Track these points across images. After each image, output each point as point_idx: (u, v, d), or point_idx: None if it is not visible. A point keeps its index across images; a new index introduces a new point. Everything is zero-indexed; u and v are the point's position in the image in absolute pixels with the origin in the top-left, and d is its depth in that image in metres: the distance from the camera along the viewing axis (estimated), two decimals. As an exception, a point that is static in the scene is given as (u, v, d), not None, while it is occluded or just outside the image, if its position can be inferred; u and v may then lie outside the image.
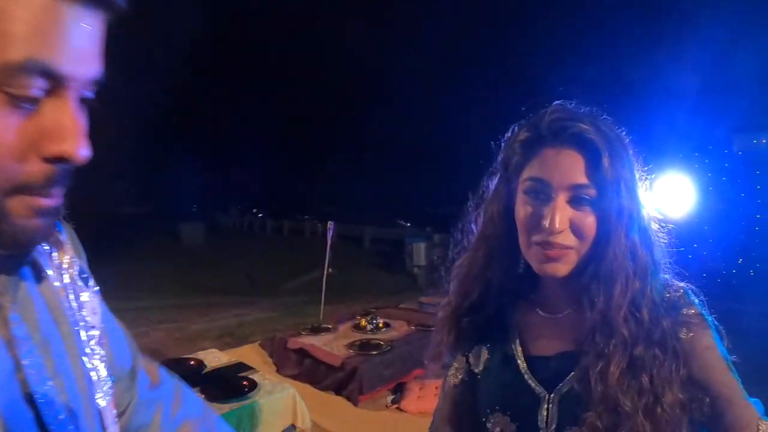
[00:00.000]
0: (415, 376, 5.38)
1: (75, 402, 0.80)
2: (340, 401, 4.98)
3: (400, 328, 6.02)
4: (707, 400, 1.11)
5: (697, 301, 1.19)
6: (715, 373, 1.11)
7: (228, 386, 4.18)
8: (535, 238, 1.13)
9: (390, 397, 5.10)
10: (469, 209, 1.36)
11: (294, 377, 5.18)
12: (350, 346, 5.41)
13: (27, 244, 0.70)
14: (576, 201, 1.11)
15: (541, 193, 1.12)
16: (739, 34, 9.60)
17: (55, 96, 0.62)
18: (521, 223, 1.16)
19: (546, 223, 1.09)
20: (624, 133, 1.18)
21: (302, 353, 5.45)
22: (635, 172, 1.17)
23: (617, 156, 1.11)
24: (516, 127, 1.24)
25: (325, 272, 6.64)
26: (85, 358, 0.87)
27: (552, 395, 1.16)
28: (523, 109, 1.24)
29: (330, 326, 5.97)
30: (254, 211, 32.84)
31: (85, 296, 0.91)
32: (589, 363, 1.09)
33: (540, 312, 1.26)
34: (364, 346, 5.39)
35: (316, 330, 5.84)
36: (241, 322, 7.94)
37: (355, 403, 4.92)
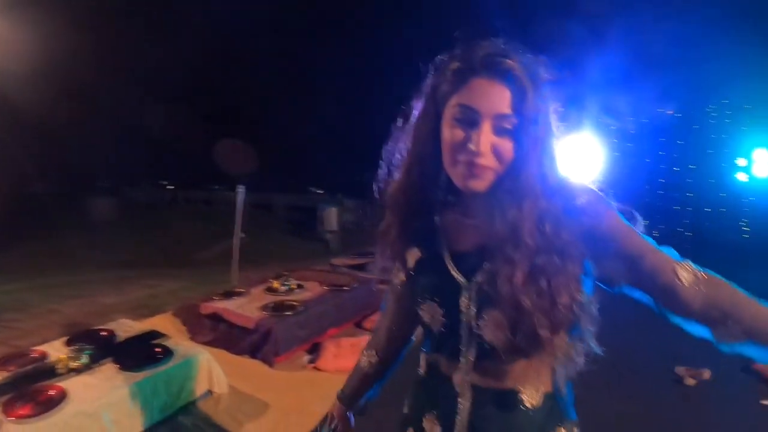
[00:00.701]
0: (331, 336, 5.47)
1: None
2: (256, 365, 5.00)
3: (313, 289, 6.07)
4: (624, 269, 1.28)
5: (602, 195, 1.32)
6: (623, 238, 1.27)
7: (141, 354, 4.14)
8: (460, 157, 1.25)
9: (306, 357, 5.16)
10: (395, 131, 1.48)
11: (208, 343, 5.14)
12: (264, 308, 5.43)
13: None
14: (498, 129, 1.23)
15: (469, 119, 1.24)
16: (653, 15, 9.92)
17: None
18: (448, 144, 1.27)
19: (472, 146, 1.22)
20: (549, 71, 1.29)
21: (215, 318, 5.44)
22: (552, 109, 1.30)
23: (539, 94, 1.24)
24: (447, 57, 1.32)
25: (237, 237, 6.60)
26: None
27: (470, 284, 1.32)
28: (455, 34, 1.33)
29: (242, 290, 5.97)
30: (165, 183, 31.99)
31: None
32: (498, 268, 1.25)
33: (462, 217, 1.41)
34: (278, 308, 5.42)
35: (228, 294, 5.82)
36: (154, 294, 7.80)
37: (271, 365, 4.96)
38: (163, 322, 5.67)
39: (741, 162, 10.79)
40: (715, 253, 9.43)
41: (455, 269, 1.36)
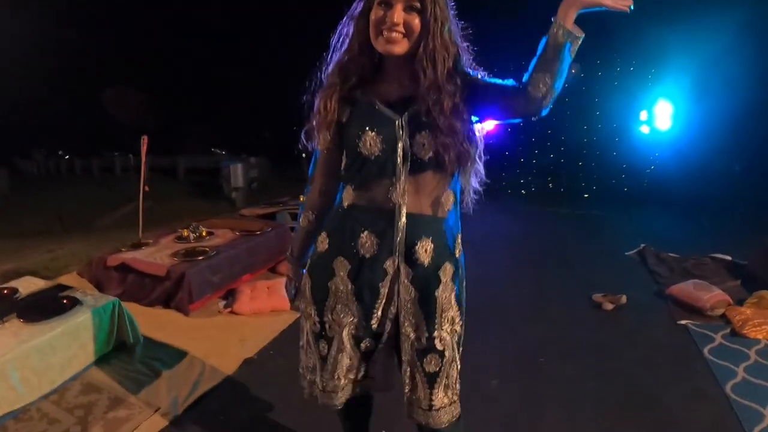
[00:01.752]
0: (245, 282, 5.31)
1: None
2: (170, 314, 4.79)
3: (224, 236, 5.87)
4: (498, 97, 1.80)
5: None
6: (491, 85, 1.82)
7: (47, 307, 3.88)
8: (382, 29, 1.75)
9: (221, 303, 4.98)
10: (341, 24, 1.92)
11: (118, 297, 4.84)
12: (175, 255, 5.20)
13: None
14: (408, 9, 1.73)
15: (387, 4, 1.74)
16: None
17: None
18: (373, 22, 1.76)
19: (388, 19, 1.72)
20: None
21: (124, 269, 5.16)
22: (447, 5, 1.79)
23: None
24: None
25: (142, 189, 6.33)
26: None
27: (402, 117, 1.80)
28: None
29: (150, 241, 5.71)
30: (60, 153, 30.71)
31: None
32: (430, 104, 1.73)
33: (382, 83, 1.88)
34: (190, 254, 5.21)
35: (136, 246, 5.55)
36: (56, 256, 7.42)
37: (186, 314, 4.76)
38: (68, 281, 5.29)
39: (643, 116, 11.13)
40: (621, 200, 9.82)
41: (386, 110, 1.82)
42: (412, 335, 1.90)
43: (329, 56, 1.94)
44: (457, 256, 1.92)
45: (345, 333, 1.96)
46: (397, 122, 1.79)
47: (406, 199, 1.81)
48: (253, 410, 3.32)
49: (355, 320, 1.94)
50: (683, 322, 4.41)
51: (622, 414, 3.19)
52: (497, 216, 8.89)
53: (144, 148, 6.20)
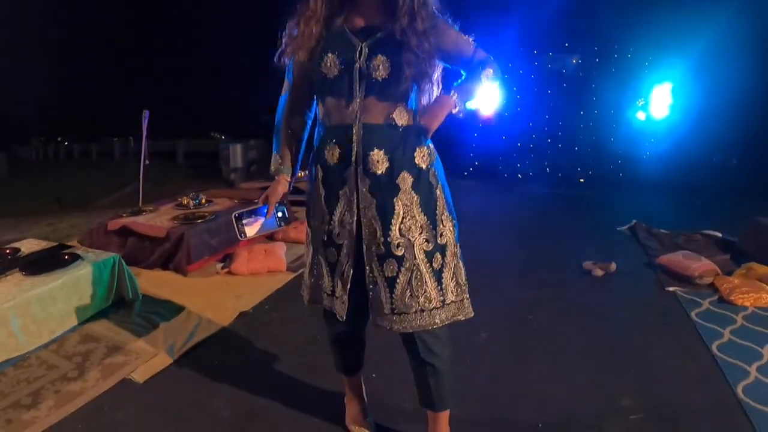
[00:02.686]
0: (242, 246, 5.39)
1: None
2: (168, 275, 4.91)
3: (223, 203, 5.97)
4: (459, 59, 2.07)
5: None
6: (459, 41, 2.05)
7: (49, 262, 3.98)
8: None
9: (219, 265, 5.08)
10: None
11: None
12: (174, 219, 5.30)
13: None
14: None
15: None
16: None
17: None
18: None
19: None
20: None
21: (124, 232, 5.24)
22: None
23: None
24: None
25: (143, 161, 6.40)
26: None
27: (364, 43, 1.93)
28: None
29: (151, 208, 5.79)
30: (59, 139, 30.64)
31: None
32: (405, 25, 1.87)
33: (356, 12, 1.99)
34: (189, 218, 5.30)
35: (136, 212, 5.64)
36: (56, 229, 7.51)
37: (185, 274, 4.86)
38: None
39: (640, 102, 11.20)
40: (614, 182, 9.90)
41: (351, 35, 1.96)
42: (371, 240, 2.01)
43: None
44: (420, 166, 2.01)
45: (318, 237, 2.14)
46: (358, 47, 1.92)
47: (361, 112, 1.94)
48: (246, 356, 3.41)
49: (323, 226, 2.10)
50: (672, 288, 4.48)
51: (608, 365, 3.27)
52: (492, 194, 9.00)
53: (145, 122, 6.27)
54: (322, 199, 2.08)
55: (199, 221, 5.17)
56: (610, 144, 11.27)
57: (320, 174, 2.08)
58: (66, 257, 4.06)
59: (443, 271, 2.03)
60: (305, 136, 2.29)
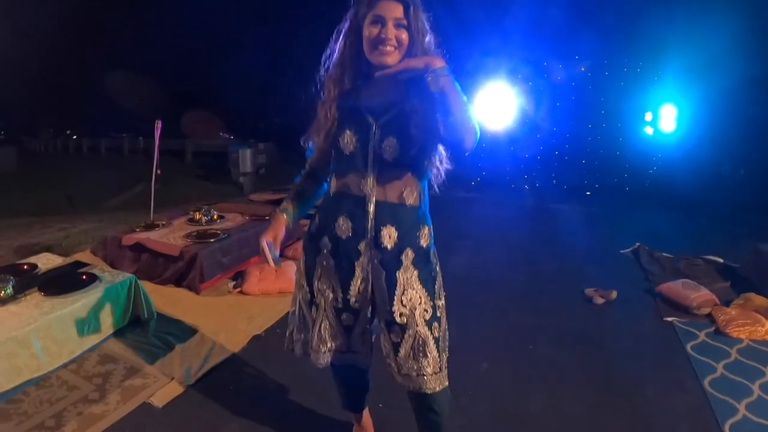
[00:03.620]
0: (253, 264, 5.53)
1: None
2: (182, 293, 5.05)
3: (234, 219, 6.12)
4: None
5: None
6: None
7: (67, 282, 4.11)
8: (377, 44, 2.03)
9: (231, 284, 5.22)
10: (332, 40, 2.22)
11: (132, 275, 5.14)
12: (187, 236, 5.44)
13: None
14: (397, 26, 2.02)
15: (380, 22, 2.03)
16: None
17: None
18: (369, 39, 2.05)
19: (383, 35, 2.02)
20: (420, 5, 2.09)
21: (138, 248, 5.40)
22: (425, 17, 2.09)
23: (418, 9, 2.06)
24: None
25: (154, 172, 6.53)
26: None
27: (378, 122, 2.09)
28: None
29: (163, 222, 5.94)
30: (68, 132, 30.81)
31: None
32: (416, 102, 2.01)
33: (372, 87, 2.14)
34: (202, 236, 5.43)
35: (150, 227, 5.79)
36: (68, 234, 7.61)
37: (198, 292, 5.00)
38: (83, 259, 5.43)
39: (648, 117, 11.28)
40: (622, 199, 9.98)
41: (368, 114, 2.11)
42: (381, 308, 2.20)
43: (323, 68, 2.25)
44: (422, 244, 2.19)
45: (328, 303, 2.27)
46: (373, 126, 2.10)
47: (375, 190, 2.12)
48: (259, 382, 3.57)
49: (336, 294, 2.25)
50: (669, 319, 4.60)
51: (603, 399, 3.41)
52: (497, 208, 9.06)
53: (158, 132, 6.39)
54: (333, 268, 2.23)
55: (212, 240, 5.30)
56: (617, 157, 11.36)
57: (329, 245, 2.23)
58: (84, 277, 4.20)
59: (440, 340, 2.20)
60: (314, 202, 2.45)
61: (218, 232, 5.53)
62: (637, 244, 6.57)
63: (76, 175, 17.21)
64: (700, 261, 6.07)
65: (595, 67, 11.61)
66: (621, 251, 6.53)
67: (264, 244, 2.26)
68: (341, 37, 2.19)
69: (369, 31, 2.05)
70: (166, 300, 4.84)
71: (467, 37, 10.49)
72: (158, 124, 6.46)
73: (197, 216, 5.98)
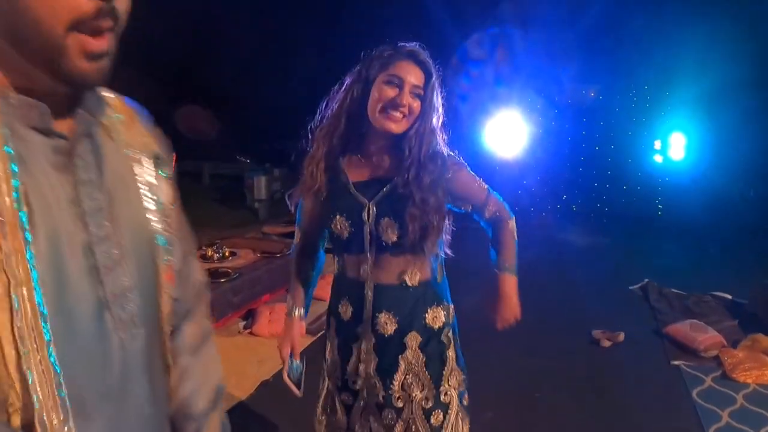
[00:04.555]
0: (265, 302, 5.58)
1: (132, 247, 0.93)
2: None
3: (246, 256, 6.14)
4: (470, 206, 2.16)
5: (457, 159, 2.14)
6: (471, 188, 2.16)
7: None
8: (388, 107, 1.92)
9: (241, 323, 5.26)
10: (333, 93, 2.12)
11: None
12: (199, 275, 5.48)
13: (82, 83, 0.83)
14: (413, 94, 1.94)
15: (398, 84, 1.92)
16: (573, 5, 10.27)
17: None
18: (378, 99, 1.93)
19: (398, 99, 1.91)
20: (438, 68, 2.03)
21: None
22: (440, 95, 2.05)
23: (436, 82, 2.00)
24: (381, 48, 2.00)
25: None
26: (151, 217, 1.00)
27: (371, 202, 2.01)
28: (368, 51, 2.05)
29: (176, 257, 5.99)
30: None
31: (151, 177, 1.03)
32: (410, 178, 1.95)
33: (360, 157, 2.08)
34: (213, 275, 5.44)
35: (162, 261, 5.84)
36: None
37: (208, 332, 5.04)
38: None
39: (657, 144, 11.28)
40: (630, 227, 9.95)
41: (357, 193, 2.03)
42: (376, 392, 2.09)
43: (318, 116, 2.15)
44: (432, 325, 2.09)
45: (332, 378, 2.24)
46: (366, 207, 2.01)
47: (373, 273, 2.05)
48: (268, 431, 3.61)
49: (337, 372, 2.20)
50: (676, 362, 4.61)
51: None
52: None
53: (173, 165, 6.46)
54: (336, 348, 2.19)
55: (222, 280, 5.34)
56: (627, 185, 11.34)
57: (334, 323, 2.19)
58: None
59: (443, 429, 2.08)
60: (316, 275, 2.36)
61: (230, 270, 5.57)
62: (646, 280, 6.57)
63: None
64: (708, 297, 6.07)
65: (604, 94, 11.63)
66: (630, 287, 6.53)
67: (285, 355, 2.24)
68: (344, 88, 2.07)
69: (382, 91, 1.93)
70: (177, 339, 4.87)
71: (477, 63, 10.56)
72: (173, 157, 6.53)
73: (209, 252, 6.03)
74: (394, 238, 1.99)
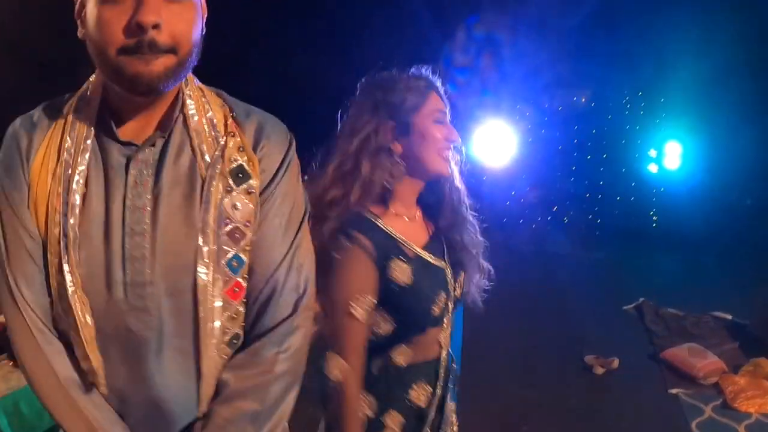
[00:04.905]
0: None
1: (165, 246, 1.15)
2: None
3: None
4: None
5: None
6: None
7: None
8: (444, 147, 1.67)
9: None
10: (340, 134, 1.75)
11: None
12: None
13: (140, 93, 1.08)
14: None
15: (443, 120, 1.70)
16: (571, 4, 10.12)
17: None
18: (435, 140, 1.66)
19: (454, 137, 1.69)
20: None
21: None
22: None
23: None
24: (400, 78, 1.72)
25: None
26: (200, 236, 1.15)
27: (446, 263, 1.76)
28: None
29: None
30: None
31: (227, 197, 1.18)
32: (454, 223, 1.78)
33: (405, 218, 1.73)
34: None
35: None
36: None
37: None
38: None
39: (652, 153, 11.10)
40: (624, 240, 9.76)
41: (433, 257, 1.73)
42: None
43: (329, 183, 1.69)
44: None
45: None
46: (445, 270, 1.75)
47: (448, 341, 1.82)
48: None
49: None
50: (674, 390, 4.39)
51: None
52: (495, 258, 8.82)
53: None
54: None
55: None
56: (621, 196, 11.17)
57: (399, 420, 1.75)
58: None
59: None
60: None
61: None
62: (641, 299, 6.32)
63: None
64: (708, 318, 5.85)
65: (596, 100, 11.46)
66: (624, 307, 6.29)
67: None
68: (362, 133, 1.68)
69: (435, 129, 1.67)
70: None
71: (464, 70, 10.38)
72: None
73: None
74: (460, 292, 1.81)
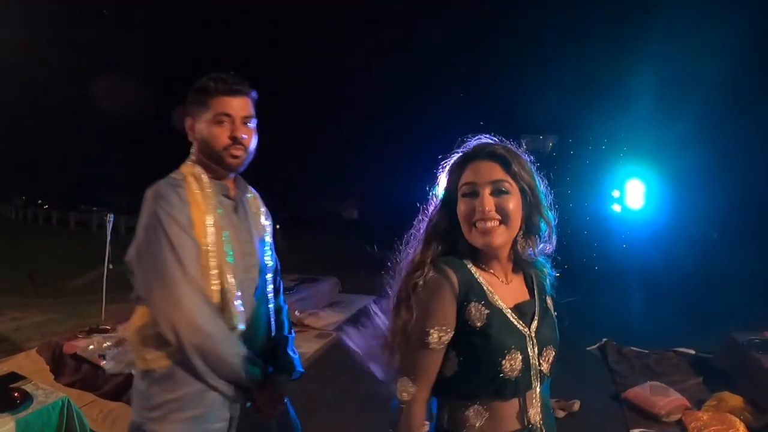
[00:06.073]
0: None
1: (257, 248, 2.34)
2: (123, 408, 4.67)
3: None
4: None
5: None
6: None
7: (-1, 399, 3.87)
8: (474, 221, 1.58)
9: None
10: (421, 215, 1.77)
11: (71, 385, 4.84)
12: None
13: (232, 170, 2.25)
14: (496, 191, 1.59)
15: (472, 192, 1.60)
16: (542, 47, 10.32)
17: None
18: (463, 214, 1.61)
19: (478, 208, 1.57)
20: (523, 150, 1.72)
21: (79, 359, 5.10)
22: (531, 164, 1.70)
23: (520, 163, 1.64)
24: (450, 157, 1.72)
25: (105, 269, 6.31)
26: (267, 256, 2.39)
27: (530, 331, 1.65)
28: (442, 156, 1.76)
29: (109, 327, 5.65)
30: (39, 202, 30.77)
31: (266, 223, 2.46)
32: (544, 314, 1.73)
33: (496, 277, 1.69)
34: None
35: (93, 332, 5.50)
36: (19, 327, 7.42)
37: (138, 409, 4.70)
38: (27, 361, 5.33)
39: (615, 193, 11.20)
40: (589, 283, 9.79)
41: (518, 321, 1.65)
42: None
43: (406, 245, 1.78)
44: None
45: None
46: (527, 338, 1.64)
47: (535, 416, 1.67)
48: None
49: None
50: (636, 431, 4.39)
51: None
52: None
53: (109, 226, 6.21)
54: None
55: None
56: (585, 237, 11.26)
57: None
58: (15, 394, 3.94)
59: None
60: None
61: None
62: (604, 339, 6.36)
63: (40, 249, 17.06)
64: (671, 354, 5.91)
65: (560, 144, 11.61)
66: (587, 348, 6.31)
67: None
68: (433, 207, 1.74)
69: (463, 204, 1.62)
70: (106, 417, 4.50)
71: (435, 115, 10.49)
72: (110, 218, 6.29)
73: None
74: (547, 368, 1.68)
